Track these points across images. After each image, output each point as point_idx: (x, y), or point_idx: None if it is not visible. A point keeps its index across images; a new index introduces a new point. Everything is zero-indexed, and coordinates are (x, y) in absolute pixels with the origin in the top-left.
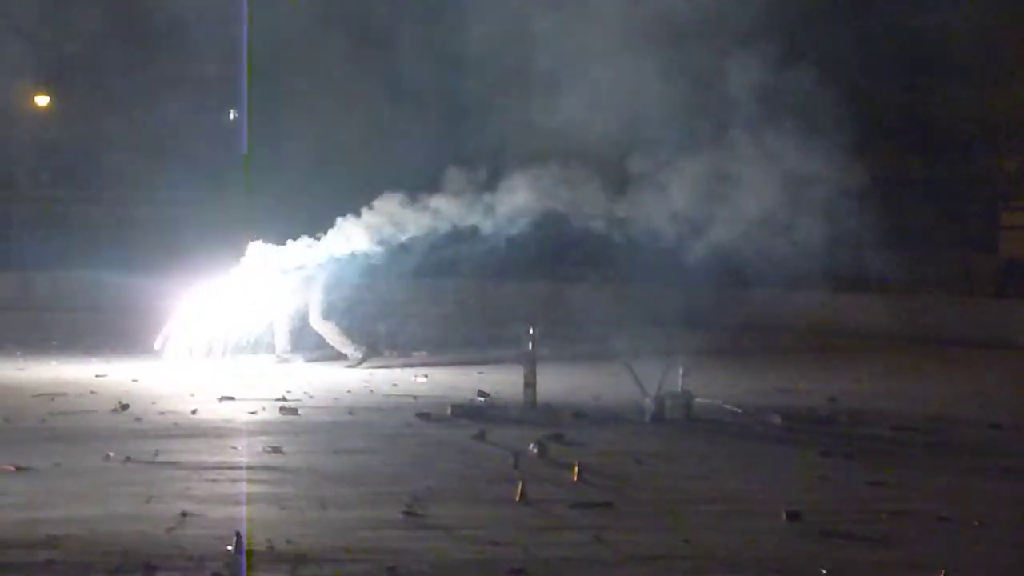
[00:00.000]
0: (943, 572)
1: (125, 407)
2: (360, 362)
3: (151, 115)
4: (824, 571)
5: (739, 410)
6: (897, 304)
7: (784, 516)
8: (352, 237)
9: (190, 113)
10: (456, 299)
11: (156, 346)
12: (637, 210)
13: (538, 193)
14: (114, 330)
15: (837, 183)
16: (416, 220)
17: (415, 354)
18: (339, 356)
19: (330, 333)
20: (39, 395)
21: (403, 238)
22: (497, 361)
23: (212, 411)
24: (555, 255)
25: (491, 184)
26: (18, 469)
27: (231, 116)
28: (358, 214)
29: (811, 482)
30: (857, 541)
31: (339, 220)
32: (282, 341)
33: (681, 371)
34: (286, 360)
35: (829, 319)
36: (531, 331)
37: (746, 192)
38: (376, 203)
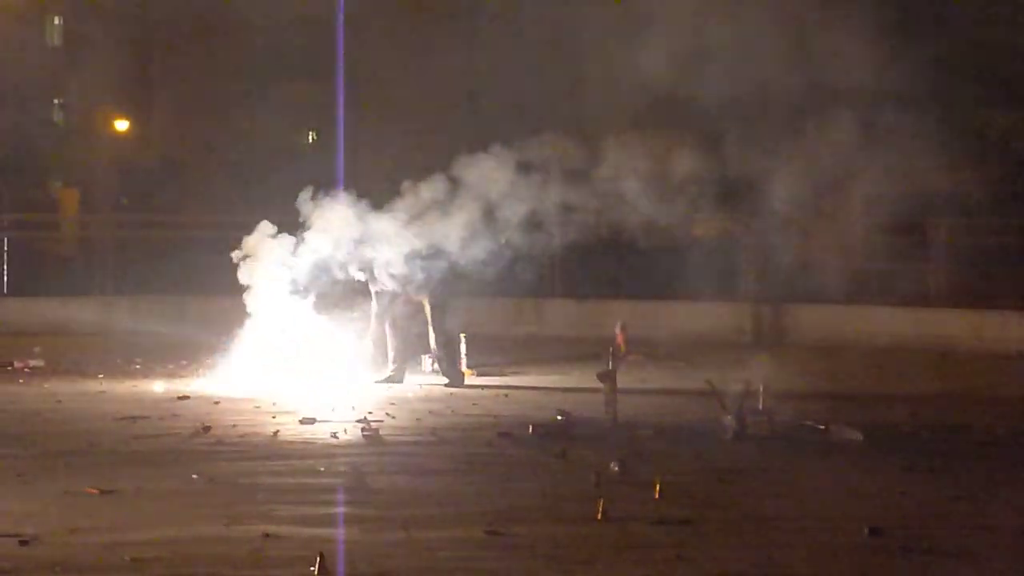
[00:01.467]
0: None
1: (207, 429)
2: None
3: (231, 137)
4: None
5: (821, 426)
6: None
7: (866, 532)
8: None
9: (271, 136)
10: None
11: (235, 368)
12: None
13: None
14: (196, 352)
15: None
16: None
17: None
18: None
19: (450, 352)
20: (121, 418)
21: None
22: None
23: (294, 433)
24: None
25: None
26: (102, 492)
27: (310, 138)
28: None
29: (893, 497)
30: (940, 557)
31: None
32: (394, 355)
33: (761, 387)
34: (392, 380)
35: (910, 333)
36: (611, 349)
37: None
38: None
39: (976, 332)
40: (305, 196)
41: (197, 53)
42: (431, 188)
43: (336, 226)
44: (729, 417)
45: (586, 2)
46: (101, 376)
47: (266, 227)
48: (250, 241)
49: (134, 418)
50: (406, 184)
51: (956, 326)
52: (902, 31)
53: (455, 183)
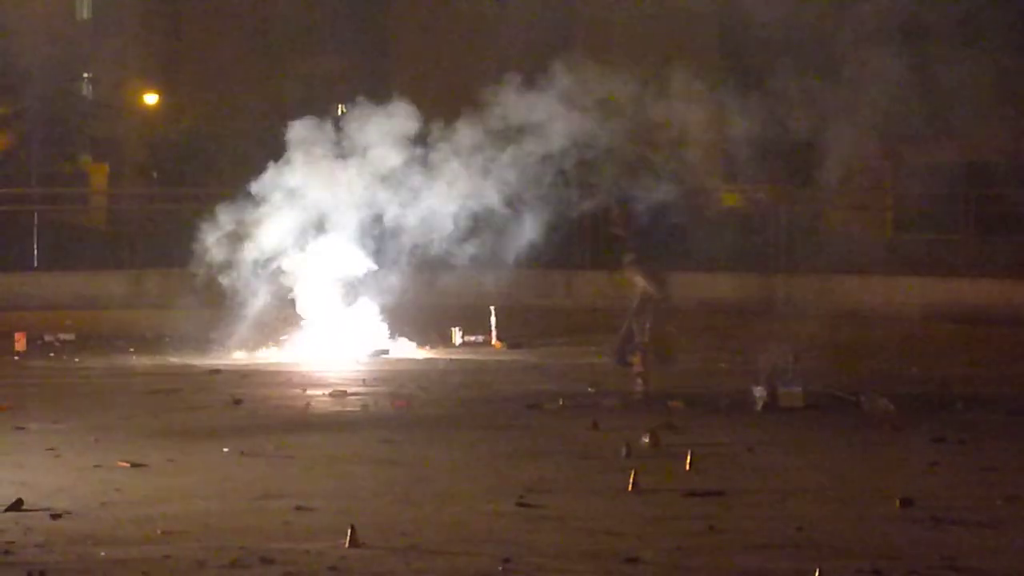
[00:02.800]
0: None
1: (239, 402)
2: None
3: (261, 110)
4: (938, 558)
5: (851, 397)
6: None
7: (897, 503)
8: None
9: (300, 110)
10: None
11: (270, 342)
12: None
13: None
14: (227, 326)
15: None
16: None
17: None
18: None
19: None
20: (152, 392)
21: None
22: None
23: (324, 405)
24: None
25: None
26: (133, 465)
27: (339, 111)
28: None
29: (924, 469)
30: (971, 527)
31: None
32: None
33: (792, 358)
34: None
35: (944, 303)
36: (645, 324)
37: None
38: None
39: (1008, 301)
40: None
41: (226, 26)
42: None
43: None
44: (759, 388)
45: None
46: (132, 350)
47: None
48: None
49: (165, 392)
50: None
51: (988, 295)
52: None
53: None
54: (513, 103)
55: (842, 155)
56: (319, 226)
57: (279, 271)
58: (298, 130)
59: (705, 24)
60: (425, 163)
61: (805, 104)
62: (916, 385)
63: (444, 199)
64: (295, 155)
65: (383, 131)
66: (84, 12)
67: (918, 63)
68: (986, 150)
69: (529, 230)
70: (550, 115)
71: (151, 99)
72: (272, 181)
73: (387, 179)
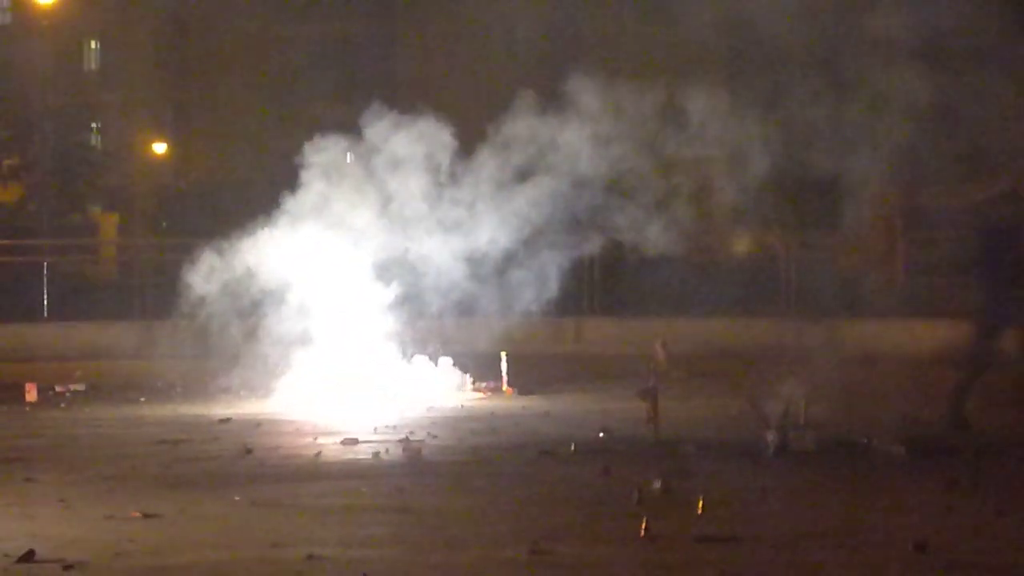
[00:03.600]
0: None
1: (249, 452)
2: None
3: (269, 158)
4: None
5: (863, 440)
6: None
7: (911, 548)
8: None
9: (308, 155)
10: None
11: (275, 388)
12: None
13: None
14: (237, 376)
15: None
16: None
17: None
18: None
19: None
20: (163, 442)
21: None
22: None
23: (336, 454)
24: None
25: None
26: (145, 516)
27: (347, 159)
28: None
29: (937, 513)
30: (986, 573)
31: None
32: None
33: (804, 403)
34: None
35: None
36: (651, 365)
37: None
38: None
39: (1021, 345)
40: None
41: (233, 74)
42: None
43: None
44: (771, 433)
45: None
46: (142, 400)
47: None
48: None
49: (176, 441)
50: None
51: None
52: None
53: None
54: (524, 136)
55: (857, 195)
56: (329, 264)
57: (286, 316)
58: (315, 153)
59: (714, 50)
60: (437, 198)
61: (819, 140)
62: (929, 429)
63: (456, 238)
64: (311, 181)
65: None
66: (92, 63)
67: (938, 96)
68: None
69: (540, 274)
70: (563, 147)
71: (160, 148)
72: (284, 215)
73: (401, 214)
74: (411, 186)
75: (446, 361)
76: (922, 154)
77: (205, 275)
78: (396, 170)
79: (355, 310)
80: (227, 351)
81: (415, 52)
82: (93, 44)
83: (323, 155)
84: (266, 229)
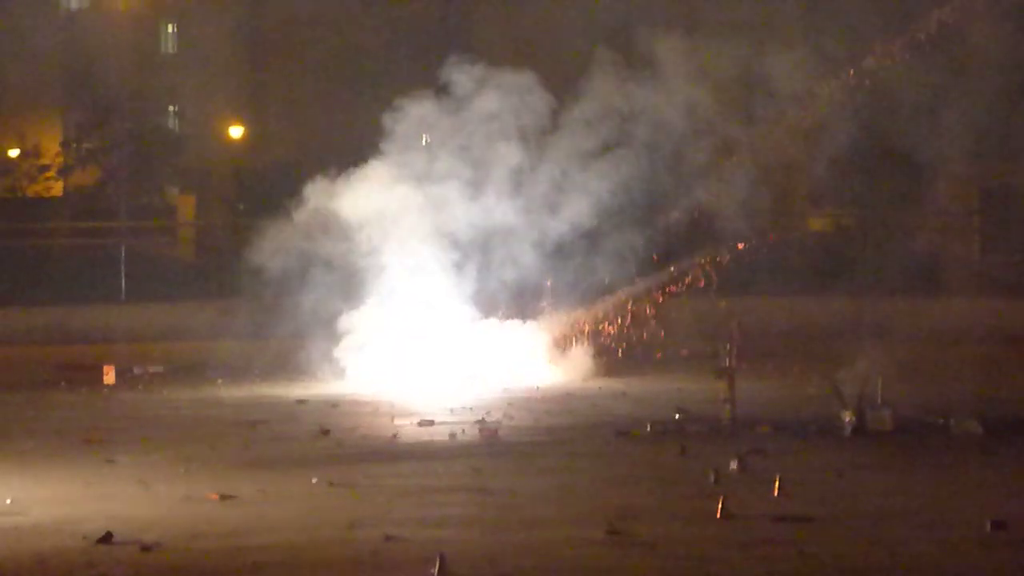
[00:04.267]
0: None
1: (326, 433)
2: None
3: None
4: None
5: (940, 419)
6: None
7: (989, 525)
8: None
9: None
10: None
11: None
12: None
13: None
14: (314, 356)
15: None
16: None
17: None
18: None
19: None
20: (240, 423)
21: None
22: None
23: (412, 435)
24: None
25: None
26: (222, 497)
27: (423, 141)
28: None
29: (1015, 490)
30: None
31: None
32: None
33: (880, 381)
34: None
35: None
36: (728, 346)
37: None
38: None
39: None
40: None
41: (309, 55)
42: None
43: None
44: (848, 412)
45: None
46: (219, 381)
47: None
48: None
49: (253, 423)
50: None
51: None
52: None
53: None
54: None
55: (935, 175)
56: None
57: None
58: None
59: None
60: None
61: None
62: (1005, 407)
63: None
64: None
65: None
66: (169, 47)
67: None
68: None
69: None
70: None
71: (236, 131)
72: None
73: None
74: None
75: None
76: (1007, 129)
77: (281, 255)
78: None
79: (434, 287)
80: (304, 331)
81: (489, 29)
82: (170, 28)
83: (402, 124)
84: (339, 208)
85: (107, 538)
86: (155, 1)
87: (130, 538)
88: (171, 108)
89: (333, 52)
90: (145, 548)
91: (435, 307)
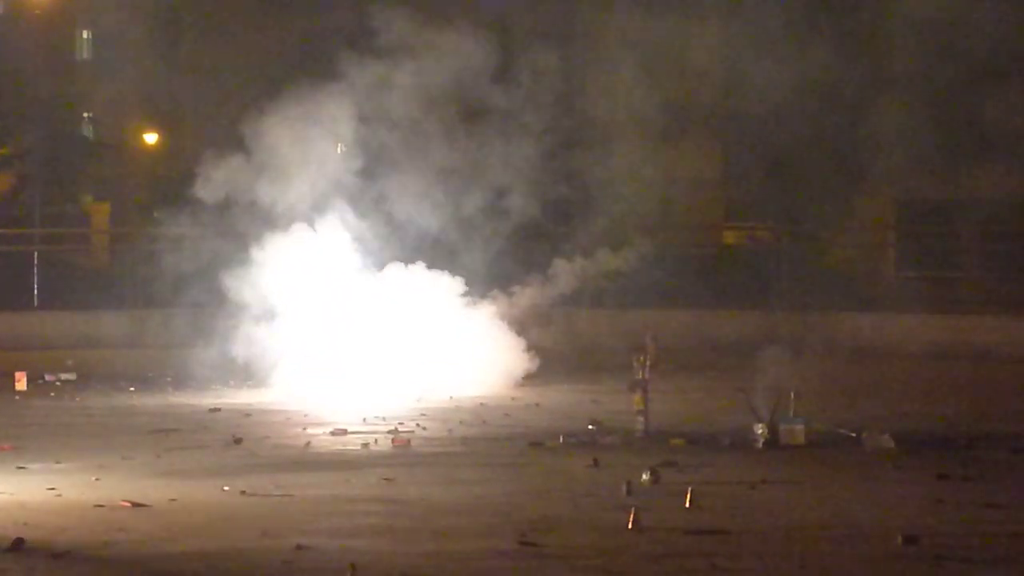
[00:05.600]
0: None
1: (239, 441)
2: None
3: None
4: None
5: (853, 434)
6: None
7: (900, 540)
8: None
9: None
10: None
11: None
12: None
13: None
14: (227, 365)
15: None
16: None
17: None
18: None
19: None
20: (154, 431)
21: None
22: None
23: (325, 444)
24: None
25: None
26: (135, 505)
27: (339, 149)
28: None
29: (927, 505)
30: (974, 565)
31: None
32: None
33: (793, 396)
34: None
35: (948, 340)
36: (641, 358)
37: None
38: None
39: (1010, 339)
40: None
41: (227, 64)
42: None
43: None
44: (761, 426)
45: None
46: (133, 389)
47: None
48: None
49: (166, 431)
50: None
51: (989, 333)
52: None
53: None
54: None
55: (846, 192)
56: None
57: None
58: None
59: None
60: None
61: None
62: (919, 422)
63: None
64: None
65: None
66: (84, 52)
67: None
68: (993, 187)
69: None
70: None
71: (151, 138)
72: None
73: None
74: None
75: None
76: (922, 144)
77: (196, 265)
78: None
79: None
80: (217, 341)
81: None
82: (85, 34)
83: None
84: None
85: (18, 544)
86: (70, 7)
87: (41, 545)
88: (86, 115)
89: (249, 59)
90: (57, 555)
91: (350, 312)
